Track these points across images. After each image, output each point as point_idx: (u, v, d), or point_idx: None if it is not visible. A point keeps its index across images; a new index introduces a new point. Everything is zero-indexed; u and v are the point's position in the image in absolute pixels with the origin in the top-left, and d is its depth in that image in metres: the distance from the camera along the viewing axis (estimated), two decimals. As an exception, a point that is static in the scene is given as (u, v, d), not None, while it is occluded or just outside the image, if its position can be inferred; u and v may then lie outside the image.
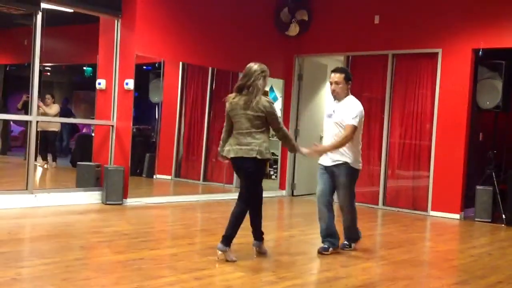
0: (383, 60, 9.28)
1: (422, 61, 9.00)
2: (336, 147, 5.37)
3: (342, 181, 5.44)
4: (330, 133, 5.52)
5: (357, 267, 4.98)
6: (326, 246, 5.44)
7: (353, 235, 5.72)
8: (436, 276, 4.95)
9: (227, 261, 4.82)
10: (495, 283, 4.73)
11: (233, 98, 5.03)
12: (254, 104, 4.88)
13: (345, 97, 5.53)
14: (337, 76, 5.49)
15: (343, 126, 5.40)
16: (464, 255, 6.02)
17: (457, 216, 8.48)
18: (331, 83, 5.55)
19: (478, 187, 8.37)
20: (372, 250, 5.94)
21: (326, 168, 5.50)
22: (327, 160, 5.49)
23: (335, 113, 5.51)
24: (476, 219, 8.32)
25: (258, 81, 4.92)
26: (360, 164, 5.57)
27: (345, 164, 5.41)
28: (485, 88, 8.43)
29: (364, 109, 5.55)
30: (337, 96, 5.53)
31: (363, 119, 5.52)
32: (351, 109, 5.43)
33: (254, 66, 4.99)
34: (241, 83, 5.00)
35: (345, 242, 5.69)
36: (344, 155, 5.41)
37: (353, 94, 5.64)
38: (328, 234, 5.48)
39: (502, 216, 8.15)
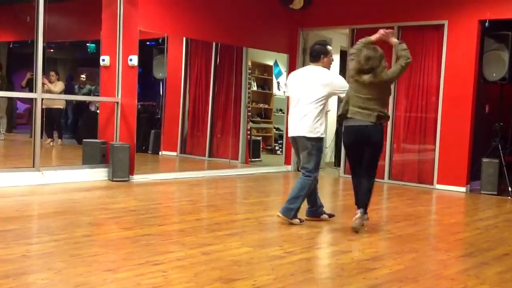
0: (388, 33, 9.19)
1: (428, 33, 8.91)
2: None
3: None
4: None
5: (364, 241, 5.00)
6: None
7: None
8: (442, 249, 4.97)
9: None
10: (502, 255, 4.75)
11: None
12: None
13: None
14: None
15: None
16: (470, 228, 6.03)
17: (463, 189, 8.49)
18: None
19: (484, 159, 8.35)
20: (378, 224, 5.95)
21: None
22: None
23: None
24: (482, 192, 8.32)
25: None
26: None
27: None
28: (492, 59, 8.34)
29: None
30: None
31: None
32: None
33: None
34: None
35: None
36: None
37: None
38: None
39: (508, 188, 8.15)
